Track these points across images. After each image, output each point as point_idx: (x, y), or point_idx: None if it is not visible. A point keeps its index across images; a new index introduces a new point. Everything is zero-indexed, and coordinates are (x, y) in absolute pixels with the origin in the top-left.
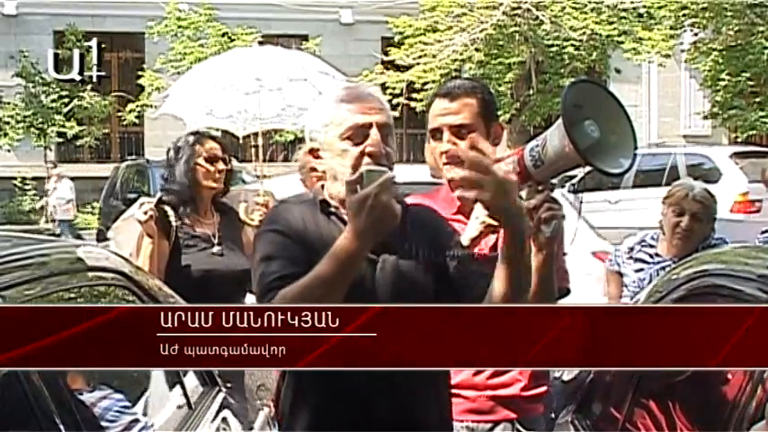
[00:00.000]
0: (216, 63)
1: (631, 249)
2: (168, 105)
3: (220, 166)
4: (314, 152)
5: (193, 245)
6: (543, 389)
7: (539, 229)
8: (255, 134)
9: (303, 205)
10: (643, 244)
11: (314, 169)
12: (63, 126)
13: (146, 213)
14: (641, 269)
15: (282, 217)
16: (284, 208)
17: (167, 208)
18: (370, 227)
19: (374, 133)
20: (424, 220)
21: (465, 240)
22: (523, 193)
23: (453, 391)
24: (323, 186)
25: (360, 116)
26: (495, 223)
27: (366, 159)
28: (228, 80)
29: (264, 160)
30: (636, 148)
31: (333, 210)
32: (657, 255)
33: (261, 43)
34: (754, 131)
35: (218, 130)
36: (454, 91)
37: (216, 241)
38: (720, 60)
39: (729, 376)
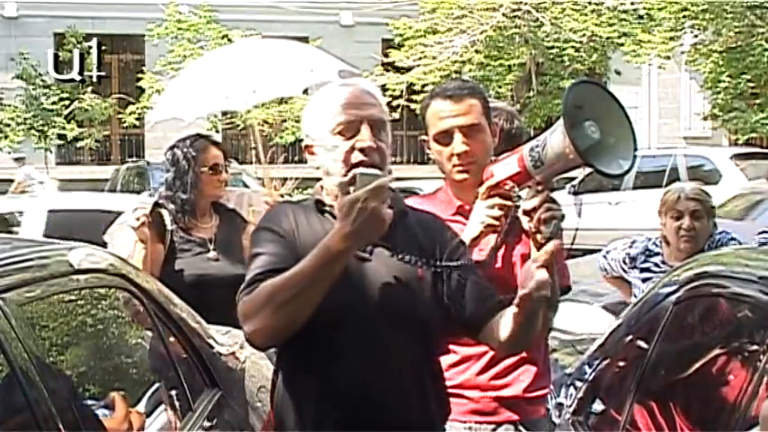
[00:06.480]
0: (203, 59)
1: (634, 259)
2: (161, 111)
3: (223, 175)
4: (308, 148)
5: (188, 249)
6: (545, 390)
7: (538, 229)
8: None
9: (300, 206)
10: (647, 254)
11: None
12: (63, 128)
13: (138, 219)
14: (649, 278)
15: (275, 216)
16: (279, 208)
17: (164, 212)
18: (357, 230)
19: (365, 128)
20: (426, 225)
21: (465, 240)
22: (523, 194)
23: (456, 391)
24: (322, 187)
25: (351, 111)
26: (496, 223)
27: (356, 154)
28: (220, 65)
29: (262, 162)
30: (636, 149)
31: (327, 208)
32: (664, 263)
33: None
34: (755, 134)
35: (220, 112)
36: (458, 92)
37: (212, 246)
38: (720, 62)
39: (730, 377)
